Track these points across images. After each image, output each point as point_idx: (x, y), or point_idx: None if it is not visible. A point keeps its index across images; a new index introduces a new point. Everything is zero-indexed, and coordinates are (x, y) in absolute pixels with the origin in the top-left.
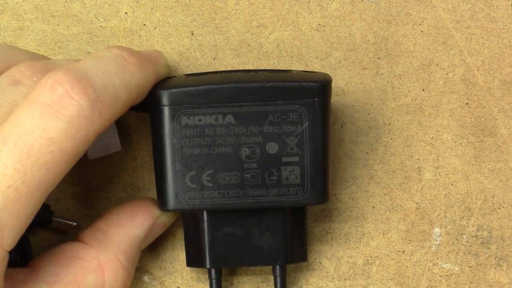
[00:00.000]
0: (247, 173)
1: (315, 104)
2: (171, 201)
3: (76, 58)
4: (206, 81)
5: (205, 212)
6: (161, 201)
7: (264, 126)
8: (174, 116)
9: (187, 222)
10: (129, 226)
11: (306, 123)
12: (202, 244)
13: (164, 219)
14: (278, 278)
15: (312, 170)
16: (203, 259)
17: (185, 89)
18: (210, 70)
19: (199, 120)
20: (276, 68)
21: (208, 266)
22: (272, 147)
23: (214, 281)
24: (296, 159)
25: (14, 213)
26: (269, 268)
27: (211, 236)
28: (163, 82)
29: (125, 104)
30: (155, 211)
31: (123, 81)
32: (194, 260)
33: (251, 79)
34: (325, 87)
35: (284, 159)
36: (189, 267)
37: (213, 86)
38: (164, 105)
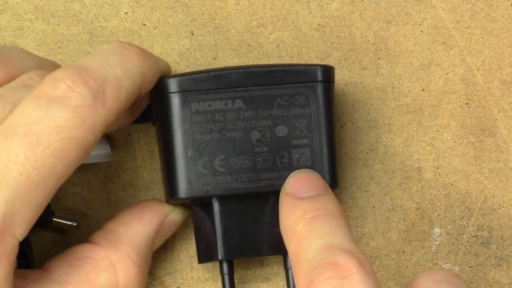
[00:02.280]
0: (259, 157)
1: (319, 86)
2: (184, 189)
3: (76, 58)
4: (214, 68)
5: (216, 202)
6: (172, 191)
7: (273, 109)
8: (184, 103)
9: (197, 218)
10: (137, 225)
11: (314, 105)
12: (214, 235)
13: (174, 216)
14: (289, 271)
15: (321, 153)
16: (215, 251)
17: (193, 75)
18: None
19: (209, 105)
20: None
21: (220, 258)
22: (282, 130)
23: (226, 276)
24: (306, 141)
25: (26, 200)
26: (269, 267)
27: (222, 226)
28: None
29: (130, 93)
30: (164, 209)
31: (124, 70)
32: (205, 254)
33: (257, 65)
34: (329, 70)
35: (294, 142)
36: (191, 265)
37: (222, 72)
38: (174, 92)
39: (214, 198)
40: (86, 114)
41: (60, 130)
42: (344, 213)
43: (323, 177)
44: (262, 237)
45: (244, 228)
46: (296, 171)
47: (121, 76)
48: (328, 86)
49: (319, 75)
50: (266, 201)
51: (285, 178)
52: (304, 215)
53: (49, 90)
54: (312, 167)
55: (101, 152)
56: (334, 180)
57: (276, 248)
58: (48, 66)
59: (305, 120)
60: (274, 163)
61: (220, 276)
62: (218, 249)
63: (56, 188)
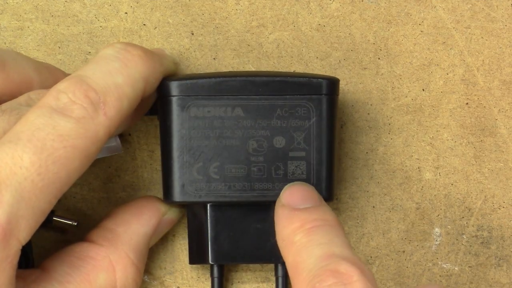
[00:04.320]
0: (254, 166)
1: (322, 100)
2: (177, 193)
3: (76, 58)
4: (216, 73)
5: (209, 207)
6: (167, 193)
7: (272, 120)
8: (183, 107)
9: (191, 218)
10: (136, 224)
11: (314, 118)
12: (206, 239)
13: (171, 215)
14: (280, 279)
15: (318, 166)
16: (206, 255)
17: (195, 80)
18: (210, 70)
19: (208, 111)
20: (276, 69)
21: (211, 262)
22: (279, 141)
23: (216, 279)
24: (303, 154)
25: (30, 204)
26: (269, 267)
27: (214, 231)
28: (173, 75)
29: (132, 99)
30: (161, 208)
31: (126, 77)
32: (196, 256)
33: (260, 73)
34: (333, 84)
35: (291, 154)
36: (191, 265)
37: (223, 78)
38: (174, 96)
39: (207, 203)
40: (89, 125)
41: (64, 139)
42: (341, 223)
43: (319, 191)
44: (253, 245)
45: (236, 235)
46: (290, 183)
47: (122, 84)
48: (332, 99)
49: (324, 89)
50: (259, 210)
51: (279, 190)
52: (302, 226)
53: (51, 101)
54: (307, 180)
55: (111, 145)
56: (330, 194)
57: (267, 256)
58: (44, 70)
59: (303, 133)
60: (269, 174)
61: (210, 278)
62: (209, 253)
63: (59, 196)
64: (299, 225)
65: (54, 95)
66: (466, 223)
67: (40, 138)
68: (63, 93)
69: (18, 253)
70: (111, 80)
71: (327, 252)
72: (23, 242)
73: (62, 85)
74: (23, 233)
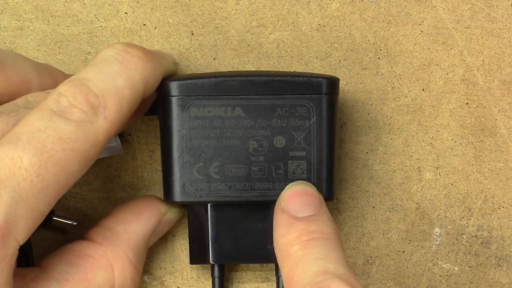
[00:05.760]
0: (254, 166)
1: (322, 99)
2: (178, 193)
3: (76, 58)
4: (216, 73)
5: (210, 207)
6: (167, 193)
7: (272, 119)
8: (183, 107)
9: (192, 218)
10: (136, 223)
11: (314, 118)
12: (206, 239)
13: (171, 215)
14: (280, 278)
15: (318, 166)
16: (207, 254)
17: (195, 80)
18: (210, 70)
19: (209, 111)
20: (276, 69)
21: (211, 262)
22: (280, 141)
23: (217, 279)
24: (303, 153)
25: (28, 205)
26: (269, 267)
27: (215, 231)
28: (173, 75)
29: (132, 101)
30: (161, 208)
31: (126, 80)
32: (197, 256)
33: (260, 73)
34: (333, 83)
35: (291, 154)
36: (191, 265)
37: (223, 78)
38: (174, 96)
39: (208, 203)
40: (88, 128)
41: (63, 141)
42: (339, 233)
43: (319, 190)
44: (254, 245)
45: (237, 235)
46: (292, 183)
47: (122, 87)
48: (333, 98)
49: (324, 88)
50: (260, 210)
51: (280, 189)
52: (299, 237)
53: (52, 104)
54: (307, 179)
55: (111, 145)
56: (330, 193)
57: (268, 256)
58: (43, 70)
59: (304, 132)
60: (269, 174)
61: (211, 278)
62: (210, 253)
63: (57, 198)
64: (296, 236)
65: (54, 98)
66: (466, 223)
67: (40, 140)
68: (63, 96)
69: (16, 253)
70: (111, 83)
71: (322, 268)
72: (21, 242)
73: (62, 88)
74: (21, 233)
